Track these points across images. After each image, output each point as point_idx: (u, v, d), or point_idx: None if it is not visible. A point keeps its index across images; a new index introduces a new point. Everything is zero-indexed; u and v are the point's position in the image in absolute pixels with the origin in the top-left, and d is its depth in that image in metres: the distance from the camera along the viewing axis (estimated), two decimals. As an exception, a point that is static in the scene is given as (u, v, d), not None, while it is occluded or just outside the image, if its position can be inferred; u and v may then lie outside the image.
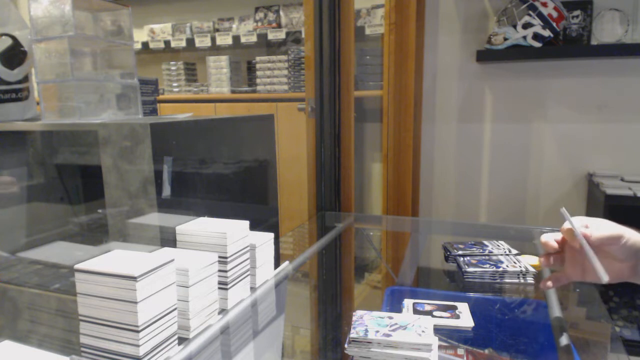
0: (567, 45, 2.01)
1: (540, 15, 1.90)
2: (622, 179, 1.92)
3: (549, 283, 0.82)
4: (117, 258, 0.70)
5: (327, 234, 1.57)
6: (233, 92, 2.99)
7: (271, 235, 1.01)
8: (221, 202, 1.05)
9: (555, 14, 1.89)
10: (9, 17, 1.08)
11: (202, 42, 3.08)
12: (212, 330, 0.81)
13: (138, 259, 0.69)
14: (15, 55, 1.08)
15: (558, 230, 0.77)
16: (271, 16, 2.95)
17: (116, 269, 0.65)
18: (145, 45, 3.24)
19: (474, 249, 1.26)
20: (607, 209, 1.72)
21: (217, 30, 3.14)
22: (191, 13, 3.24)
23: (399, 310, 0.96)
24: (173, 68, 3.16)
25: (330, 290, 1.26)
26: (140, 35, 3.27)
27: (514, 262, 1.16)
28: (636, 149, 2.01)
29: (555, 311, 0.94)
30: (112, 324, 0.66)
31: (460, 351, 0.83)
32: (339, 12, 1.71)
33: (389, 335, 0.73)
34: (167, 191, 0.86)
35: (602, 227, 0.72)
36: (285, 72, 2.80)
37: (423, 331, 0.74)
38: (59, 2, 0.92)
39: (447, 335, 0.87)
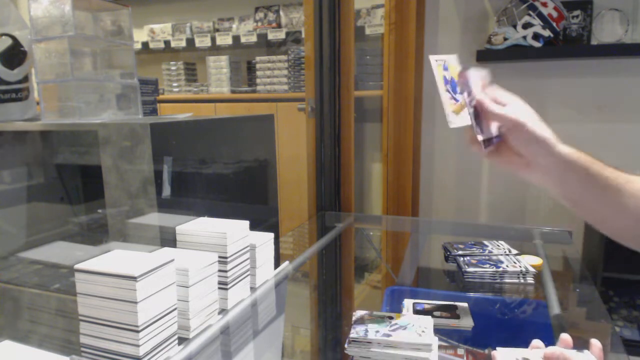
0: (567, 45, 2.01)
1: (540, 15, 1.90)
2: (622, 179, 1.92)
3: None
4: (117, 258, 0.70)
5: (327, 234, 1.57)
6: (233, 92, 2.99)
7: (271, 235, 1.01)
8: (221, 202, 1.05)
9: (555, 14, 1.89)
10: (9, 17, 1.08)
11: (202, 42, 3.08)
12: (212, 330, 0.81)
13: (138, 259, 0.69)
14: (15, 55, 1.08)
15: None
16: (271, 16, 2.95)
17: (116, 269, 0.65)
18: (145, 45, 3.24)
19: (474, 249, 1.26)
20: (607, 209, 1.71)
21: (217, 30, 3.14)
22: (191, 13, 3.24)
23: (399, 310, 0.96)
24: (173, 68, 3.16)
25: (330, 290, 1.26)
26: (140, 35, 3.27)
27: (514, 262, 1.16)
28: (636, 149, 2.01)
29: (555, 311, 0.94)
30: (112, 324, 0.66)
31: (460, 351, 0.83)
32: (339, 12, 1.71)
33: (389, 335, 0.73)
34: (167, 191, 0.86)
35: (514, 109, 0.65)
36: (285, 72, 2.80)
37: (423, 331, 0.74)
38: (59, 2, 0.92)
39: (447, 335, 0.87)
